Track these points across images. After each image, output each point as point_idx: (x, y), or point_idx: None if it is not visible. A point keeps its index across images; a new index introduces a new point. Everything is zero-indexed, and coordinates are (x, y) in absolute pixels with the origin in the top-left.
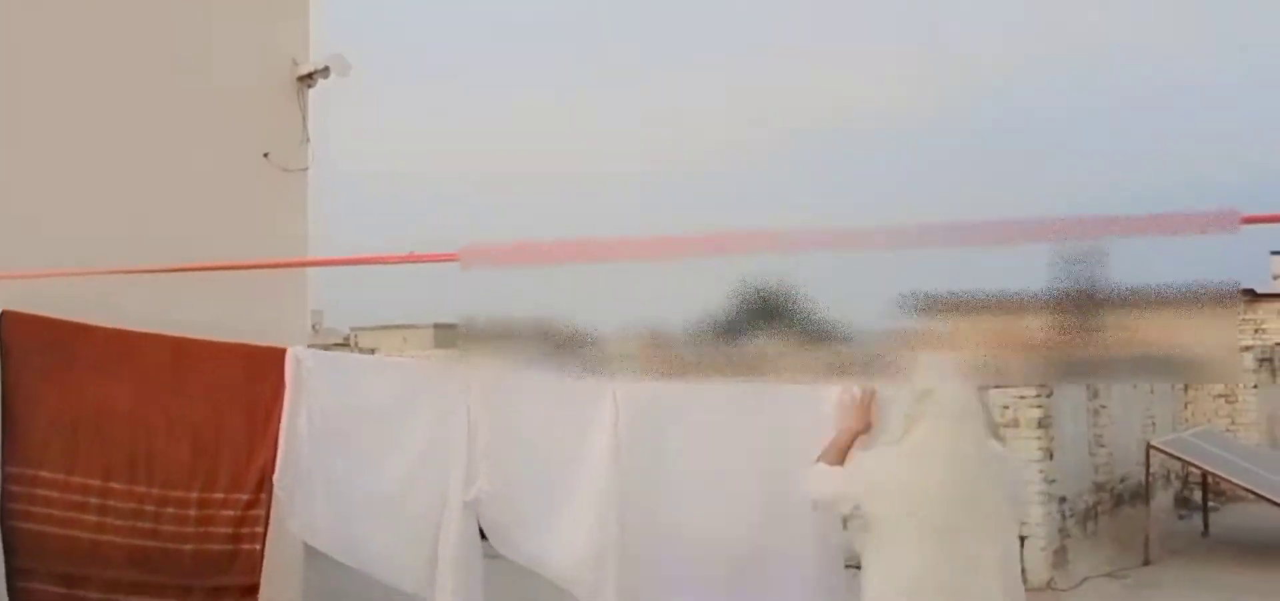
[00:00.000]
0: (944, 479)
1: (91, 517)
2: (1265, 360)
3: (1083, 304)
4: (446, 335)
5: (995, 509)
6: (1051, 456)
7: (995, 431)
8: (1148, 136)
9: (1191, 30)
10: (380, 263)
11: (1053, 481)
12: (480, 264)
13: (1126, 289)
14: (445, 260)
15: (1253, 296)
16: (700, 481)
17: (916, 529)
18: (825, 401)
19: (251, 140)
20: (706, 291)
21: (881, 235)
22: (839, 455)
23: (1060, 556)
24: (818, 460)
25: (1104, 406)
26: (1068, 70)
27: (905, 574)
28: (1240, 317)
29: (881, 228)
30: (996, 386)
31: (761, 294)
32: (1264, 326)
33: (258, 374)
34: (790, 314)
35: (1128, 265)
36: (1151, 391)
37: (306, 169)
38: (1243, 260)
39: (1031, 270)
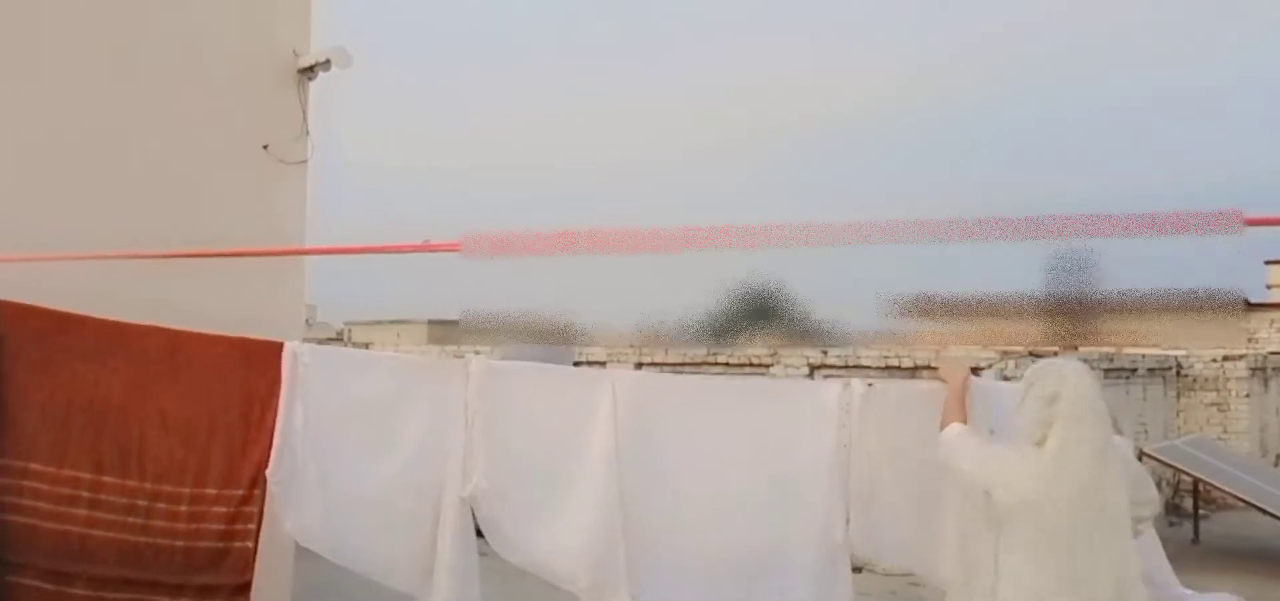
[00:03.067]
0: (1080, 485)
1: (82, 512)
2: (1258, 369)
3: (1075, 305)
4: (441, 330)
5: (1121, 509)
6: None
7: (1116, 425)
8: (1145, 137)
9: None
10: (379, 252)
11: None
12: (481, 253)
13: (1125, 292)
14: (446, 250)
15: (1246, 305)
16: (701, 475)
17: (1050, 532)
18: (825, 391)
19: (251, 132)
20: (703, 288)
21: (876, 230)
22: (962, 411)
23: None
24: (945, 418)
25: None
26: (1068, 67)
27: (1039, 574)
28: (1233, 328)
29: (877, 223)
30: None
31: (752, 294)
32: (1256, 335)
33: (254, 368)
34: (784, 312)
35: (1121, 269)
36: (1144, 398)
37: (306, 161)
38: (1237, 268)
39: (1025, 273)
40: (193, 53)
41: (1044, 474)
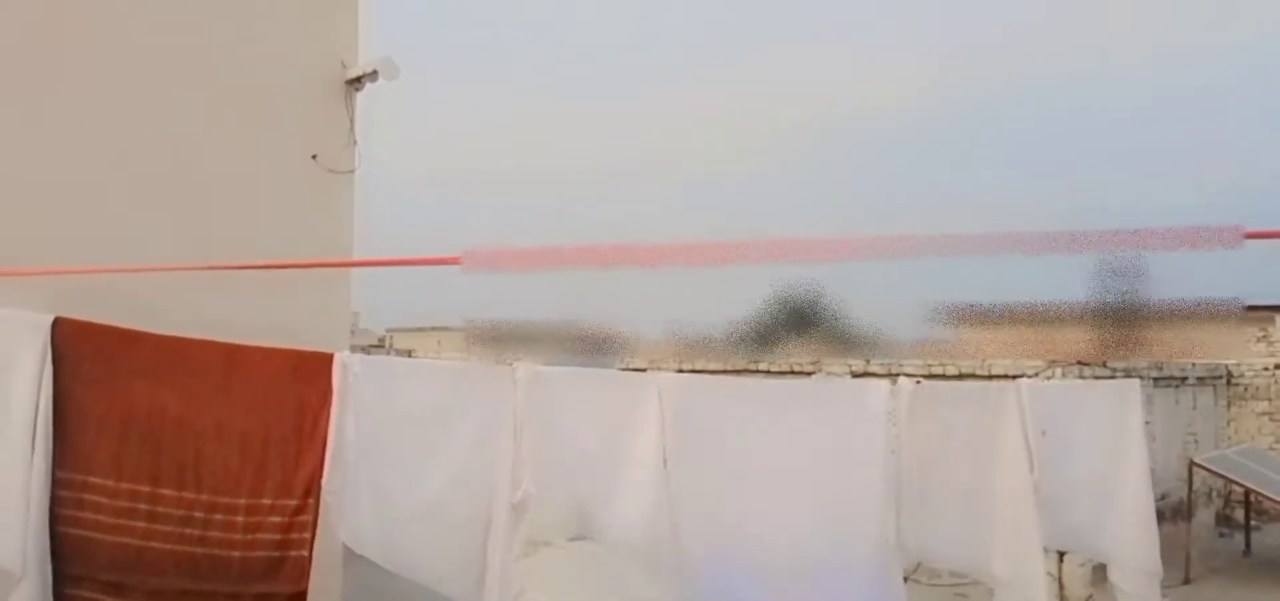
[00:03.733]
0: None
1: (140, 524)
2: None
3: (1124, 315)
4: (480, 336)
5: None
6: None
7: None
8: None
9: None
10: (380, 265)
11: None
12: (482, 267)
13: (1170, 302)
14: (449, 263)
15: None
16: (750, 478)
17: None
18: (874, 396)
19: (299, 142)
20: (743, 296)
21: (894, 244)
22: None
23: (1099, 573)
24: None
25: (1147, 422)
26: (1087, 71)
27: None
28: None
29: (895, 237)
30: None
31: (795, 300)
32: None
33: (305, 379)
34: (825, 320)
35: (1168, 278)
36: (1194, 407)
37: (354, 171)
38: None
39: (1066, 282)
40: (243, 65)
41: None
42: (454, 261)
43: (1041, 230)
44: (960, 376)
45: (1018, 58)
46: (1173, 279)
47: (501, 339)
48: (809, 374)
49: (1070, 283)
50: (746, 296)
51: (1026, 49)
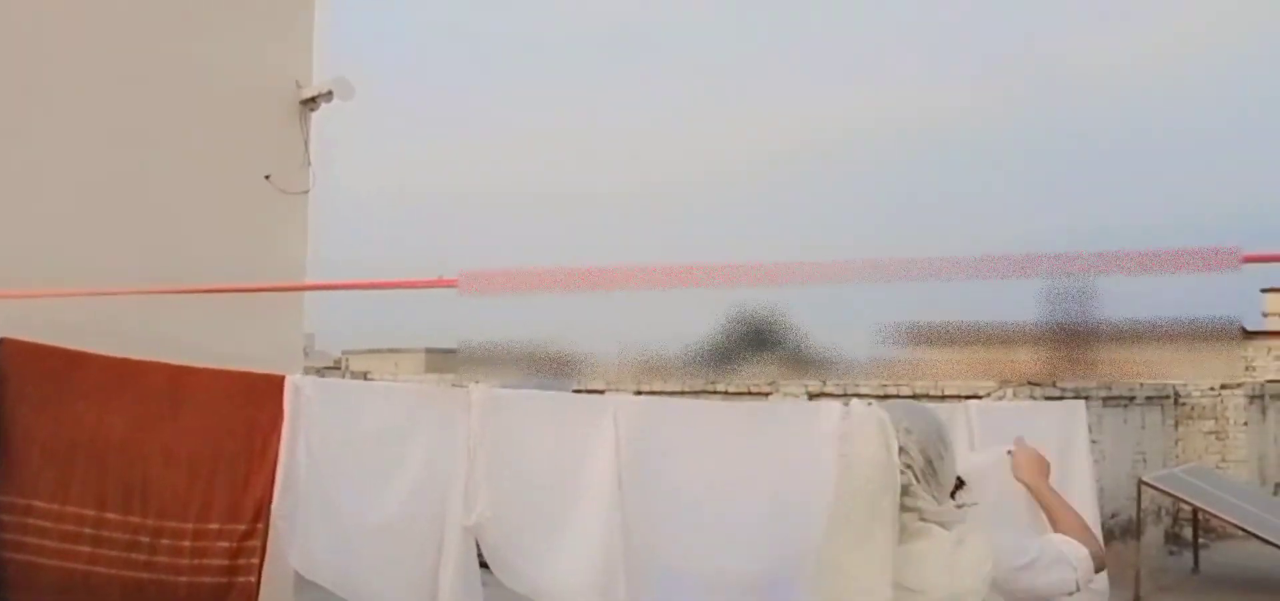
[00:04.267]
0: None
1: (85, 548)
2: (1256, 398)
3: (1074, 336)
4: (439, 359)
5: None
6: None
7: None
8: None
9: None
10: (375, 288)
11: None
12: (478, 290)
13: (1122, 322)
14: (444, 286)
15: (1244, 334)
16: (704, 501)
17: None
18: (826, 418)
19: (253, 162)
20: (701, 317)
21: (873, 268)
22: (1073, 516)
23: None
24: (1057, 531)
25: (1095, 441)
26: (1080, 98)
27: None
28: (1231, 357)
29: (873, 261)
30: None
31: (753, 322)
32: (1254, 364)
33: (256, 401)
34: (783, 341)
35: (1120, 298)
36: (1143, 426)
37: (307, 191)
38: (1235, 297)
39: (1022, 303)
40: (195, 84)
41: None
42: (450, 284)
43: (1023, 254)
44: (914, 397)
45: (1002, 87)
46: (1146, 300)
47: (462, 362)
48: (766, 395)
49: (1026, 304)
50: (704, 318)
51: (1006, 83)
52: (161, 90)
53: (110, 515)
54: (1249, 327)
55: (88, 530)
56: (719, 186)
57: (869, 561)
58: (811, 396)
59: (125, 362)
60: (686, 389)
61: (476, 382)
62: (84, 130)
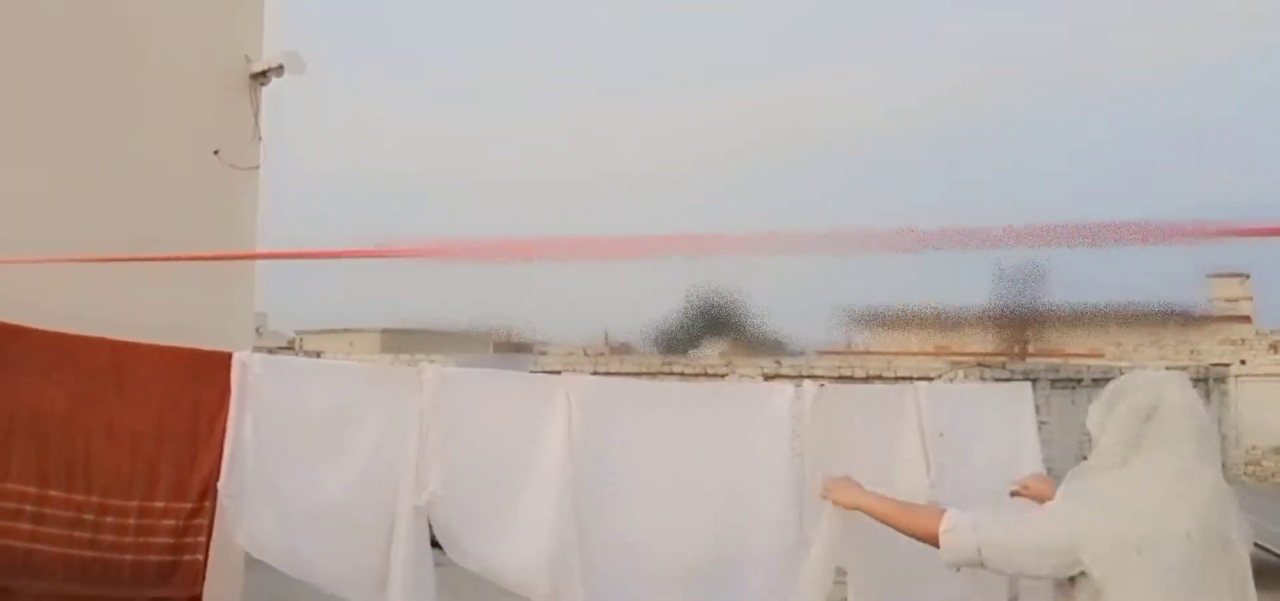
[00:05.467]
0: (1187, 511)
1: (26, 525)
2: (1200, 380)
3: (1023, 318)
4: (395, 339)
5: (1240, 550)
6: None
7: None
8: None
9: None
10: (332, 257)
11: None
12: (429, 256)
13: (1069, 305)
14: (401, 256)
15: (1189, 318)
16: (657, 480)
17: (1170, 577)
18: (778, 394)
19: (201, 137)
20: (659, 300)
21: (831, 240)
22: (910, 507)
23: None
24: (905, 519)
25: (1044, 422)
26: (1063, 99)
27: None
28: (1177, 340)
29: (831, 232)
30: None
31: (708, 306)
32: (1198, 348)
33: (202, 379)
34: (739, 323)
35: (1070, 283)
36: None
37: (257, 167)
38: (1182, 281)
39: (975, 285)
40: (141, 56)
41: (1132, 497)
42: (408, 254)
43: (975, 226)
44: (867, 378)
45: (996, 82)
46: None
47: (417, 342)
48: (722, 376)
49: (976, 287)
50: (662, 300)
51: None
52: (108, 62)
53: (52, 492)
54: (1195, 312)
55: (29, 507)
56: (687, 175)
57: None
58: (767, 378)
59: (66, 337)
60: (643, 370)
61: (430, 362)
62: (28, 104)
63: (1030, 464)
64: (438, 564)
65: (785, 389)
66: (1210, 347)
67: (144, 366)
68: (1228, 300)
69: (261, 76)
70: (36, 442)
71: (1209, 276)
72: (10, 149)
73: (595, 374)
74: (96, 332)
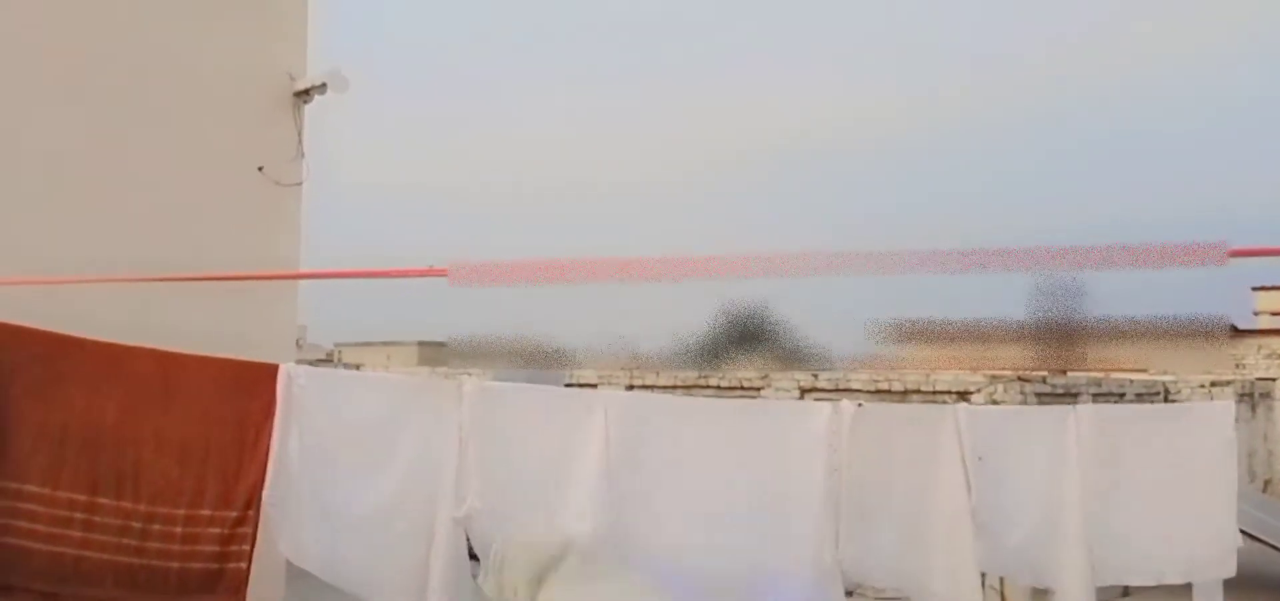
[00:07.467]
0: None
1: (77, 533)
2: (1245, 396)
3: (1061, 333)
4: (432, 352)
5: None
6: None
7: None
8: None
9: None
10: (367, 276)
11: None
12: (468, 281)
13: (1113, 319)
14: (434, 276)
15: (1234, 332)
16: (692, 497)
17: None
18: (815, 415)
19: (246, 155)
20: (693, 312)
21: (866, 260)
22: None
23: (1041, 596)
24: None
25: None
26: (1060, 101)
27: None
28: (1221, 354)
29: (867, 252)
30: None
31: (742, 318)
32: (1244, 362)
33: (248, 390)
34: (774, 336)
35: (1110, 296)
36: None
37: (301, 184)
38: (1226, 295)
39: (1013, 299)
40: (189, 76)
41: None
42: (440, 273)
43: (1012, 247)
44: (906, 392)
45: (988, 85)
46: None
47: (454, 355)
48: (757, 389)
49: (1016, 300)
50: (696, 313)
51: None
52: (155, 83)
53: (102, 500)
54: (1239, 325)
55: (79, 515)
56: (713, 181)
57: None
58: (803, 391)
59: (117, 348)
60: (678, 383)
61: (469, 375)
62: (79, 123)
63: (1071, 486)
64: (475, 575)
65: (823, 409)
66: (1256, 362)
67: (191, 378)
68: (1273, 313)
69: (305, 94)
70: (88, 451)
71: (1254, 289)
72: (64, 171)
73: (631, 387)
74: (143, 343)
